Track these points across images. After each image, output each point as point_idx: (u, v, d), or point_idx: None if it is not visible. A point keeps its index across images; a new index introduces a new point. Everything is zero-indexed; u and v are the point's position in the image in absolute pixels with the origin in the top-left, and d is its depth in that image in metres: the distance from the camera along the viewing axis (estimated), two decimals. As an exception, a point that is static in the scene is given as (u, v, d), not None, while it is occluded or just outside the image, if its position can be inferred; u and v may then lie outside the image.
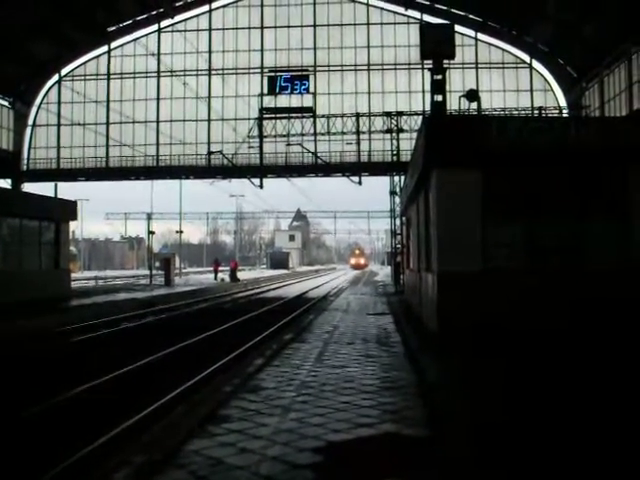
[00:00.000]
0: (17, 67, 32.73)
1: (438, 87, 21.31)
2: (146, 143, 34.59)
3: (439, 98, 21.25)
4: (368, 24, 34.33)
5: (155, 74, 35.14)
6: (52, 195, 33.50)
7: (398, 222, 30.54)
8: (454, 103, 26.88)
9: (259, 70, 34.56)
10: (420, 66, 31.81)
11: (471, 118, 20.89)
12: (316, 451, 4.65)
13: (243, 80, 34.76)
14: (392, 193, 31.22)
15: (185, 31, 34.52)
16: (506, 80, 33.30)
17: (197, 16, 35.45)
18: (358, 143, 31.54)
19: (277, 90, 32.57)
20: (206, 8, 35.38)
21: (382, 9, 34.41)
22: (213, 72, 34.85)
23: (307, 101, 32.77)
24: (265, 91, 32.91)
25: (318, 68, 34.10)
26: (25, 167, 35.25)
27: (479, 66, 33.35)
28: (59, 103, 35.42)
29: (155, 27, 35.48)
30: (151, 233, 48.30)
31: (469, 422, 5.48)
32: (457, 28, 27.10)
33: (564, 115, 31.08)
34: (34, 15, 28.74)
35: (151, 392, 8.19)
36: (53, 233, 24.14)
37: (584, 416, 5.65)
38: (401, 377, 7.44)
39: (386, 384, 7.00)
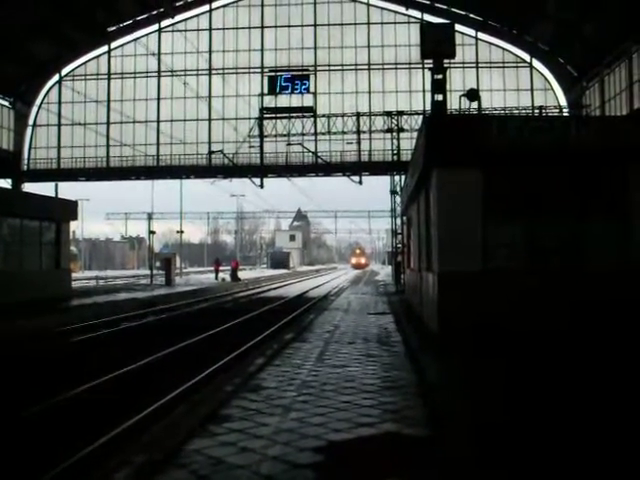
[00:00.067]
0: (17, 67, 32.73)
1: (438, 86, 21.31)
2: (147, 143, 34.60)
3: (439, 97, 21.25)
4: (369, 24, 34.32)
5: (155, 74, 35.15)
6: (52, 195, 33.49)
7: (399, 222, 30.54)
8: (454, 102, 26.88)
9: (259, 70, 34.56)
10: (420, 65, 31.82)
11: (471, 117, 20.89)
12: (317, 451, 4.65)
13: (243, 80, 34.77)
14: (393, 193, 31.22)
15: (185, 31, 34.52)
16: (506, 79, 33.29)
17: (197, 16, 35.45)
18: (359, 143, 31.54)
19: (278, 90, 32.56)
20: (206, 8, 35.38)
21: (382, 9, 34.40)
22: (213, 72, 34.85)
23: (307, 101, 32.73)
24: (266, 91, 32.89)
25: (319, 68, 34.10)
26: (25, 167, 35.26)
27: (479, 65, 33.34)
28: (59, 103, 35.42)
29: (155, 27, 35.48)
30: (152, 233, 48.32)
31: (469, 422, 5.49)
32: (457, 27, 27.11)
33: (564, 114, 31.06)
34: (34, 15, 28.75)
35: (152, 392, 8.19)
36: (54, 233, 24.15)
37: (584, 416, 5.66)
38: (402, 377, 7.44)
39: (387, 384, 7.00)
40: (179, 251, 66.18)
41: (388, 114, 30.78)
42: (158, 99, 35.14)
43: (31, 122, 35.51)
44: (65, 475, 5.41)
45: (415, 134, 23.26)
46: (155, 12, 34.92)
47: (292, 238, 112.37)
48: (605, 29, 24.70)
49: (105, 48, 35.65)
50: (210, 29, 35.18)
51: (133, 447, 4.97)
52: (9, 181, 34.41)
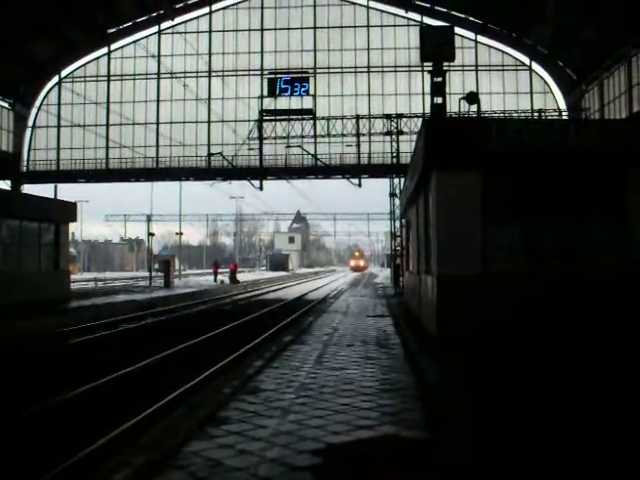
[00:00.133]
0: (17, 68, 32.75)
1: (438, 89, 21.35)
2: (146, 145, 34.62)
3: (439, 100, 21.29)
4: (368, 26, 34.36)
5: (155, 76, 35.17)
6: (52, 197, 33.48)
7: (398, 224, 30.57)
8: (454, 105, 26.90)
9: (259, 72, 34.59)
10: (420, 68, 31.92)
11: (471, 120, 20.93)
12: (315, 453, 4.65)
13: (243, 82, 34.79)
14: (392, 195, 31.26)
15: (185, 33, 34.56)
16: (506, 82, 33.34)
17: (197, 18, 35.49)
18: (358, 145, 31.56)
19: (277, 92, 32.61)
20: (206, 10, 35.41)
21: (382, 11, 34.45)
22: (213, 74, 34.88)
23: (307, 103, 32.77)
24: (265, 93, 32.97)
25: (318, 70, 34.14)
26: (25, 168, 35.26)
27: (479, 68, 33.39)
28: (59, 104, 35.44)
29: (155, 29, 35.51)
30: (151, 235, 48.35)
31: (467, 425, 5.49)
32: (457, 30, 27.22)
33: (564, 117, 31.09)
34: (34, 16, 28.77)
35: (150, 394, 8.19)
36: (53, 234, 24.14)
37: (583, 419, 5.66)
38: (400, 379, 7.44)
39: (385, 386, 7.00)
40: (178, 253, 66.23)
41: (387, 117, 30.81)
42: (158, 101, 35.16)
43: (30, 123, 35.53)
44: (65, 476, 5.41)
45: (414, 137, 23.33)
46: (155, 14, 34.98)
47: (291, 240, 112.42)
48: (604, 33, 24.74)
49: (105, 50, 35.68)
50: (210, 31, 35.22)
51: (132, 448, 4.97)
52: (8, 182, 34.45)
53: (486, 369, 8.10)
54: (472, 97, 25.17)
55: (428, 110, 25.60)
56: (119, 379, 9.47)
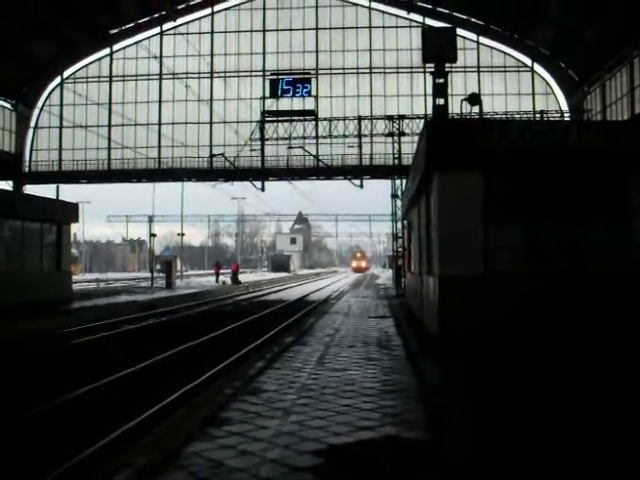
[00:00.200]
0: (19, 69, 32.82)
1: (440, 90, 21.37)
2: (148, 145, 34.68)
3: (441, 101, 21.31)
4: (370, 27, 34.41)
5: (157, 77, 35.22)
6: (54, 197, 33.51)
7: (399, 225, 30.55)
8: (456, 106, 26.86)
9: (261, 73, 34.64)
10: (422, 69, 31.93)
11: (473, 121, 20.94)
12: (316, 454, 4.64)
13: (245, 83, 34.84)
14: (394, 196, 31.22)
15: (187, 34, 34.63)
16: (508, 83, 33.35)
17: (199, 19, 35.57)
18: (360, 146, 31.58)
19: (279, 93, 32.63)
20: (208, 11, 35.49)
21: (384, 12, 34.50)
22: (215, 75, 34.92)
23: (309, 104, 32.79)
24: (267, 94, 32.99)
25: (320, 71, 34.18)
26: (27, 169, 35.34)
27: (481, 69, 33.40)
28: (61, 105, 35.52)
29: (157, 30, 35.58)
30: (153, 235, 48.37)
31: (470, 425, 5.48)
32: (459, 32, 27.28)
33: (566, 119, 31.08)
34: (35, 16, 28.83)
35: (152, 394, 8.18)
36: (55, 235, 24.17)
37: (585, 419, 5.65)
38: (402, 380, 7.43)
39: (387, 387, 6.99)
40: (180, 254, 66.26)
41: (389, 118, 30.81)
42: (160, 102, 35.22)
43: (33, 124, 35.61)
44: (67, 476, 5.41)
45: (416, 138, 23.27)
46: (157, 15, 35.06)
47: (293, 241, 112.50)
48: (606, 34, 24.74)
49: (107, 50, 35.76)
50: (212, 32, 35.28)
51: (134, 449, 4.97)
52: (10, 183, 34.53)
53: (488, 369, 8.09)
54: (474, 98, 25.16)
55: (430, 111, 25.68)
56: (121, 380, 9.46)
